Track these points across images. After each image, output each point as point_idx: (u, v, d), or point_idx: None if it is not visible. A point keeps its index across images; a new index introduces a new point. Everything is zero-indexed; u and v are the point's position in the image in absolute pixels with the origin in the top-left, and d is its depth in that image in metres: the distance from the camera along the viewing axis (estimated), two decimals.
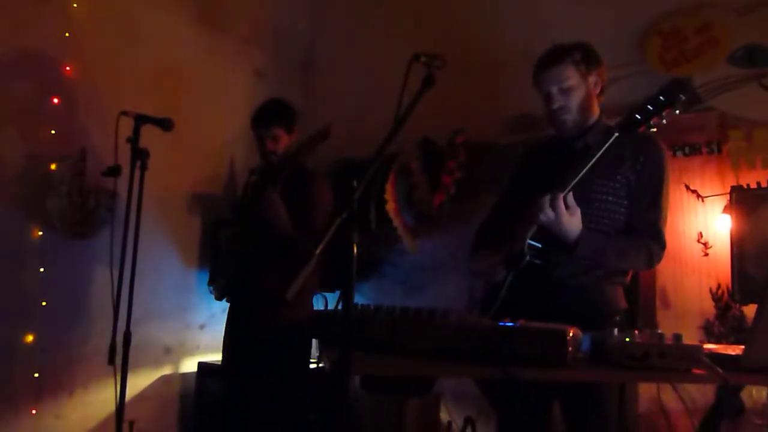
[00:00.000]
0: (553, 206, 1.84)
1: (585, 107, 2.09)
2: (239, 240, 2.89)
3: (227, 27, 4.23)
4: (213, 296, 3.06)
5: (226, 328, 3.07)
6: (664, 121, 1.86)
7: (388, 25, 4.34)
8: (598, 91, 2.13)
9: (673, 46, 3.27)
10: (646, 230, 2.02)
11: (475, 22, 3.95)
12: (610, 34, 3.16)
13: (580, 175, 1.87)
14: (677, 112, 1.84)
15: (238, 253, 2.88)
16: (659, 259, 2.03)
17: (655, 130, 1.88)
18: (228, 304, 3.08)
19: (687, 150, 3.15)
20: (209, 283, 3.10)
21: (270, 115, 2.94)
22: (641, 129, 1.86)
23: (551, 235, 1.90)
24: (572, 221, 1.87)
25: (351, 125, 3.94)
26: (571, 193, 1.87)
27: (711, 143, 3.13)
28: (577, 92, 2.07)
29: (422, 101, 1.58)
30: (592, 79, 2.10)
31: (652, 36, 3.35)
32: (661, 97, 1.83)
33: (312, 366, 3.28)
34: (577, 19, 3.42)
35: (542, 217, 1.86)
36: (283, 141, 2.93)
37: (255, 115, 2.98)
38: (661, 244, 2.02)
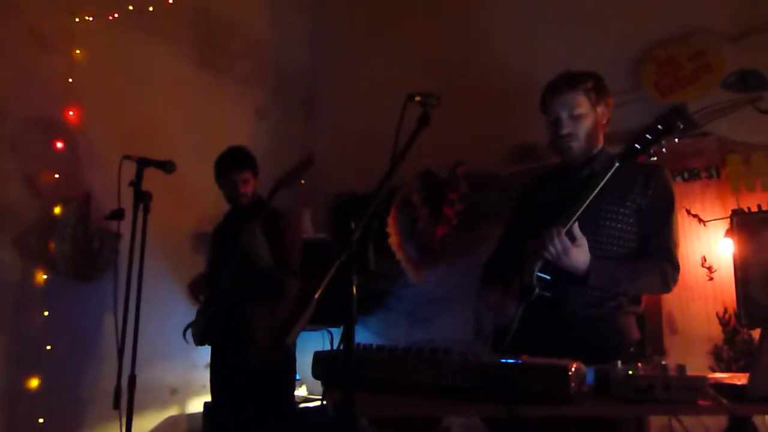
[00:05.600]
0: (558, 241, 1.82)
1: (592, 136, 2.09)
2: (217, 278, 2.90)
3: (228, 68, 4.30)
4: (193, 342, 3.01)
5: (211, 372, 3.04)
6: (664, 150, 1.86)
7: (387, 59, 4.40)
8: (605, 121, 2.13)
9: (668, 73, 3.31)
10: (657, 251, 1.99)
11: (474, 55, 4.00)
12: (605, 63, 3.18)
13: (584, 206, 1.87)
14: (676, 140, 1.84)
15: (217, 291, 2.89)
16: (674, 280, 1.99)
17: (655, 158, 1.88)
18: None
19: (686, 175, 3.17)
20: (185, 329, 3.04)
21: (241, 160, 2.99)
22: (642, 158, 1.86)
23: (560, 267, 1.88)
24: (579, 253, 1.85)
25: (352, 159, 3.97)
26: (576, 224, 1.85)
27: (710, 168, 3.15)
28: (586, 120, 2.06)
29: (422, 133, 1.57)
30: (600, 109, 2.10)
31: (647, 63, 3.39)
32: (659, 126, 1.83)
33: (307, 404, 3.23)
34: (573, 48, 3.44)
35: (546, 255, 1.85)
36: (251, 184, 2.99)
37: (225, 162, 3.00)
38: (675, 265, 1.99)
